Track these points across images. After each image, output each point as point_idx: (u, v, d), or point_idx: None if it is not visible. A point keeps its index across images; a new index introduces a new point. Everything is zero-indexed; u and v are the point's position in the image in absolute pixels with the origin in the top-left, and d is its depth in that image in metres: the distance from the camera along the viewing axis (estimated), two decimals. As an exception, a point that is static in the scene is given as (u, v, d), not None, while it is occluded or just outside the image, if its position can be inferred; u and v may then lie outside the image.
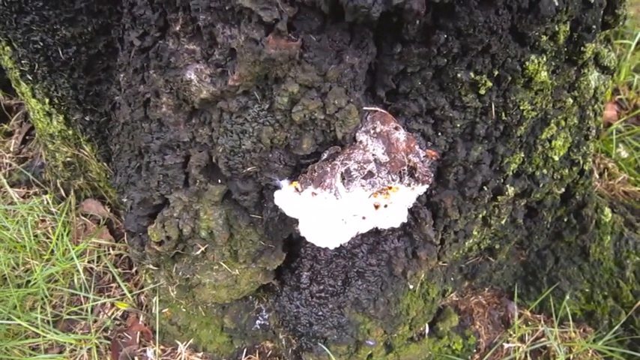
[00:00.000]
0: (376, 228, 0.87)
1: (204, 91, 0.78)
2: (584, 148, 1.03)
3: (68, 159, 1.36)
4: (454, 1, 0.66)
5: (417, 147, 0.84)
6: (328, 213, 0.81)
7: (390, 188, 0.83)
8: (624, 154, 1.57)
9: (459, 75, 0.75)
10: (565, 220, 1.16)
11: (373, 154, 0.81)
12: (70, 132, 1.24)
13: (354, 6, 0.63)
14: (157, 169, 0.91)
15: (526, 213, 1.09)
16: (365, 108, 0.81)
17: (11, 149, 1.67)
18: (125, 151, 0.99)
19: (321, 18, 0.70)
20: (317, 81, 0.74)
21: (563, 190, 1.07)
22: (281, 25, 0.68)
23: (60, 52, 1.01)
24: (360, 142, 0.82)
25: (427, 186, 0.84)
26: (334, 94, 0.75)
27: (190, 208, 0.94)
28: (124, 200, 1.05)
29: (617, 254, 1.22)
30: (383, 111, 0.82)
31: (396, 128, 0.82)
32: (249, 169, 0.85)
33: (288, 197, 0.84)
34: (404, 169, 0.81)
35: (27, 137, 1.72)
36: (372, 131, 0.82)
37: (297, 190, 0.83)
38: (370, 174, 0.80)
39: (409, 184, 0.82)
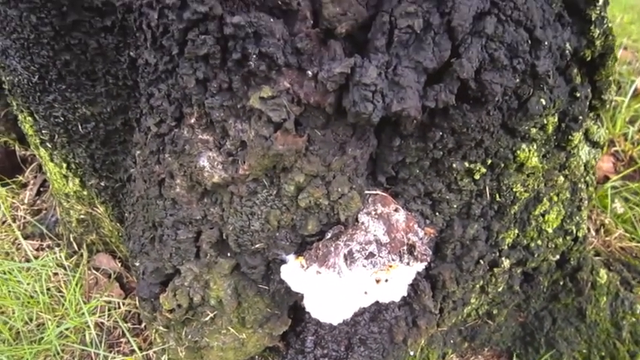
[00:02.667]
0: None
1: (216, 177, 0.83)
2: (577, 217, 1.07)
3: (82, 216, 1.41)
4: (448, 105, 0.71)
5: (415, 226, 0.89)
6: (332, 290, 0.86)
7: (391, 266, 0.87)
8: (620, 209, 1.61)
9: (454, 165, 0.81)
10: (561, 283, 1.19)
11: (374, 235, 0.86)
12: (85, 193, 1.30)
13: (356, 112, 0.69)
14: (170, 242, 0.96)
15: (523, 278, 1.13)
16: (366, 192, 0.87)
17: (25, 201, 1.73)
18: (139, 221, 1.04)
19: (326, 116, 0.76)
20: (321, 171, 0.79)
21: (558, 256, 1.11)
22: (288, 124, 0.74)
23: (79, 126, 1.07)
24: (362, 223, 0.87)
25: (425, 263, 0.88)
26: (338, 183, 0.81)
27: (201, 278, 0.99)
28: (137, 264, 1.10)
29: (613, 315, 1.25)
30: (383, 194, 0.88)
31: (396, 210, 0.87)
32: (257, 245, 0.90)
33: (293, 273, 0.89)
34: (403, 249, 0.86)
35: (41, 189, 1.78)
36: (373, 213, 0.87)
37: (302, 266, 0.88)
38: (371, 254, 0.85)
39: (408, 263, 0.87)
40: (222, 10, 0.67)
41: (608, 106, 0.95)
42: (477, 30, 0.68)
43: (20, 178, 1.80)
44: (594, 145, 1.04)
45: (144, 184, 0.97)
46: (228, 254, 0.95)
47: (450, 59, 0.68)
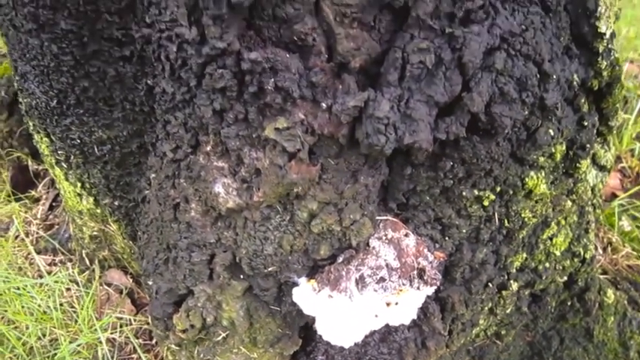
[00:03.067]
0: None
1: (230, 202, 0.85)
2: (585, 240, 1.09)
3: (95, 233, 1.44)
4: (458, 137, 0.73)
5: (425, 250, 0.91)
6: (343, 314, 0.88)
7: (401, 290, 0.89)
8: (627, 227, 1.62)
9: (464, 193, 0.82)
10: (569, 303, 1.20)
11: (385, 260, 0.88)
12: (99, 211, 1.32)
13: (369, 144, 0.71)
14: (184, 264, 0.98)
15: (530, 299, 1.14)
16: (378, 217, 0.88)
17: (38, 216, 1.76)
18: (153, 242, 1.06)
19: (339, 145, 0.78)
20: (334, 198, 0.81)
21: (565, 278, 1.12)
22: (303, 154, 0.76)
23: (95, 148, 1.09)
24: (373, 247, 0.89)
25: (435, 287, 0.90)
26: (350, 210, 0.83)
27: (214, 299, 1.01)
28: (149, 283, 1.12)
29: (620, 335, 1.26)
30: (394, 219, 0.89)
31: (406, 235, 0.89)
32: (270, 269, 0.92)
33: (305, 296, 0.91)
34: (414, 274, 0.88)
35: (53, 204, 1.81)
36: (384, 238, 0.89)
37: (314, 289, 0.90)
38: (382, 279, 0.86)
39: (418, 287, 0.88)
40: (240, 45, 0.69)
41: (615, 131, 0.96)
42: (487, 65, 0.70)
43: (33, 193, 1.83)
44: (601, 168, 1.05)
45: (159, 207, 0.99)
46: (241, 276, 0.97)
47: (460, 93, 0.70)
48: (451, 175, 0.79)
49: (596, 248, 1.50)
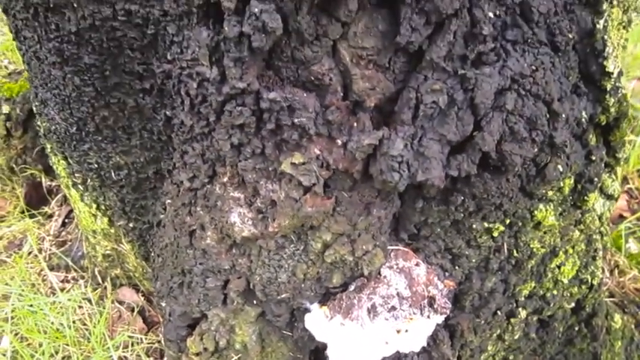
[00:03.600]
0: (397, 349, 0.94)
1: (245, 232, 0.87)
2: (592, 267, 1.10)
3: (107, 251, 1.46)
4: (470, 174, 0.75)
5: (435, 279, 0.93)
6: (355, 341, 0.89)
7: (412, 318, 0.91)
8: (634, 248, 1.63)
9: (474, 225, 0.84)
10: (576, 328, 1.22)
11: (396, 289, 0.89)
12: (112, 231, 1.34)
13: (383, 180, 0.73)
14: (198, 289, 1.00)
15: (538, 325, 1.15)
16: (389, 247, 0.90)
17: (51, 232, 1.78)
18: (168, 265, 1.08)
19: (353, 179, 0.80)
20: (347, 230, 0.83)
21: (573, 304, 1.13)
22: (318, 188, 0.78)
23: (112, 173, 1.12)
24: (385, 276, 0.91)
25: (445, 316, 0.92)
26: (362, 240, 0.85)
27: (227, 323, 1.03)
28: (163, 305, 1.14)
29: (628, 359, 1.27)
30: (405, 249, 0.91)
31: (417, 264, 0.91)
32: (283, 296, 0.94)
33: (318, 323, 0.92)
34: (424, 303, 0.90)
35: (66, 220, 1.84)
36: (395, 267, 0.91)
37: (326, 316, 0.92)
38: (393, 308, 0.88)
39: (429, 316, 0.90)
40: (259, 85, 0.72)
41: (622, 162, 0.98)
42: (498, 105, 0.72)
43: (46, 209, 1.86)
44: (609, 197, 1.07)
45: (174, 232, 1.01)
46: (255, 302, 0.99)
47: (472, 132, 0.72)
48: (462, 209, 0.81)
49: (602, 271, 1.51)
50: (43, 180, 1.91)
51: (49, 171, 1.93)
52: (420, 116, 0.71)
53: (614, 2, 0.86)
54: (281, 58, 0.71)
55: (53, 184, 1.94)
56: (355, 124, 0.75)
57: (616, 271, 1.56)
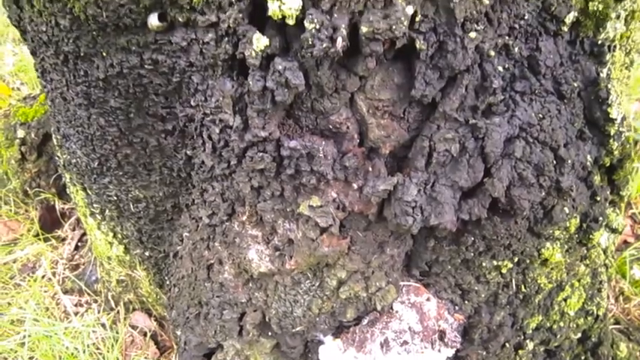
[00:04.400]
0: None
1: (263, 267, 0.91)
2: (598, 298, 1.13)
3: (122, 277, 1.49)
4: (480, 217, 0.79)
5: (446, 313, 0.96)
6: (368, 374, 0.92)
7: (423, 352, 0.93)
8: (639, 275, 1.66)
9: (484, 263, 0.87)
10: (583, 358, 1.24)
11: (408, 323, 0.92)
12: (128, 258, 1.38)
13: (397, 223, 0.77)
14: (215, 320, 1.03)
15: (545, 355, 1.18)
16: (401, 283, 0.94)
17: (64, 255, 1.82)
18: (184, 296, 1.11)
19: (368, 220, 0.83)
20: (362, 268, 0.87)
21: (579, 334, 1.16)
22: (334, 229, 0.81)
23: (131, 205, 1.15)
24: (397, 311, 0.94)
25: (455, 349, 0.94)
26: (376, 278, 0.88)
27: (242, 353, 1.05)
28: (178, 333, 1.17)
29: (633, 388, 1.29)
30: (416, 285, 0.94)
31: (428, 299, 0.94)
32: (297, 329, 0.97)
33: (331, 355, 0.95)
34: (435, 337, 0.92)
35: (79, 244, 1.87)
36: (407, 302, 0.94)
37: (339, 349, 0.95)
38: (405, 342, 0.91)
39: (439, 350, 0.93)
40: (280, 133, 0.75)
41: (626, 199, 1.01)
42: (507, 152, 0.75)
43: (59, 232, 1.90)
44: (613, 231, 1.10)
45: (192, 265, 1.04)
46: (270, 334, 1.02)
47: (482, 178, 0.76)
48: (472, 249, 0.84)
49: (608, 298, 1.54)
50: (57, 203, 1.95)
51: (62, 194, 1.97)
52: (433, 163, 0.75)
53: (617, 46, 0.90)
54: (301, 109, 0.74)
55: (66, 207, 1.98)
56: (371, 170, 0.78)
57: (621, 298, 1.59)
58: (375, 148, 0.78)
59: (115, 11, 0.71)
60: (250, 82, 0.70)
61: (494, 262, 0.88)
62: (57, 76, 0.93)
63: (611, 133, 0.84)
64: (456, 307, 0.98)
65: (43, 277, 1.74)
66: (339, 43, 0.62)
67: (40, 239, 1.86)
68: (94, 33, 0.76)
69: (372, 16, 0.61)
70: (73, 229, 1.91)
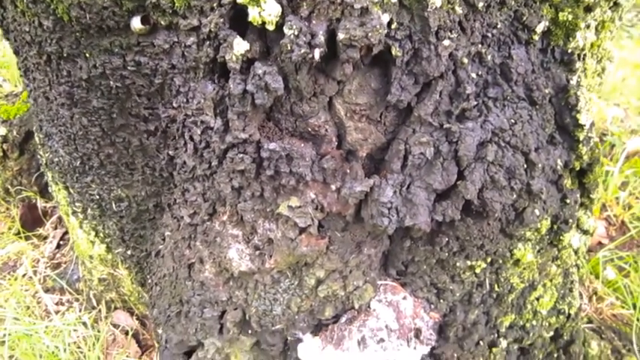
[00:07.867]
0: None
1: (243, 266, 0.92)
2: (569, 298, 1.16)
3: (103, 276, 1.50)
4: (454, 219, 0.81)
5: (422, 312, 0.98)
6: (345, 371, 0.94)
7: (399, 350, 0.96)
8: (612, 275, 1.70)
9: (458, 263, 0.90)
10: (555, 355, 1.28)
11: (385, 322, 0.95)
12: (109, 257, 1.38)
13: (374, 224, 0.79)
14: (195, 318, 1.04)
15: (519, 353, 1.21)
16: (378, 282, 0.96)
17: (46, 254, 1.81)
18: (166, 295, 1.13)
19: (345, 221, 0.86)
20: (340, 267, 0.89)
21: (552, 333, 1.20)
22: (312, 229, 0.83)
23: (113, 204, 1.16)
24: (374, 309, 0.96)
25: (430, 346, 0.97)
26: (354, 277, 0.90)
27: (222, 351, 1.07)
28: (159, 332, 1.18)
29: (603, 385, 1.33)
30: (393, 284, 0.97)
31: (404, 298, 0.96)
32: (277, 327, 0.99)
33: (310, 352, 0.97)
34: (411, 335, 0.95)
35: (61, 242, 1.87)
36: (384, 300, 0.96)
37: (318, 347, 0.97)
38: (382, 340, 0.93)
39: (415, 347, 0.95)
40: (260, 135, 0.77)
41: (596, 202, 1.05)
42: (480, 156, 0.78)
43: (41, 231, 1.89)
44: (585, 232, 1.14)
45: (173, 264, 1.06)
46: (250, 332, 1.03)
47: (456, 181, 0.79)
48: (446, 249, 0.87)
49: (581, 297, 1.58)
50: (39, 202, 1.94)
51: (44, 193, 1.96)
52: (409, 166, 0.78)
53: (589, 54, 0.93)
54: (281, 112, 0.76)
55: (48, 205, 1.97)
56: (348, 171, 0.80)
57: (594, 298, 1.63)
58: (353, 151, 0.80)
59: (98, 13, 0.72)
60: (231, 85, 0.71)
61: (468, 262, 0.91)
62: (40, 75, 0.94)
63: (580, 139, 0.88)
64: (432, 306, 1.01)
65: (24, 275, 1.74)
66: (317, 50, 0.64)
67: (21, 237, 1.86)
68: (78, 34, 0.77)
69: (348, 23, 0.63)
70: (55, 228, 1.91)
